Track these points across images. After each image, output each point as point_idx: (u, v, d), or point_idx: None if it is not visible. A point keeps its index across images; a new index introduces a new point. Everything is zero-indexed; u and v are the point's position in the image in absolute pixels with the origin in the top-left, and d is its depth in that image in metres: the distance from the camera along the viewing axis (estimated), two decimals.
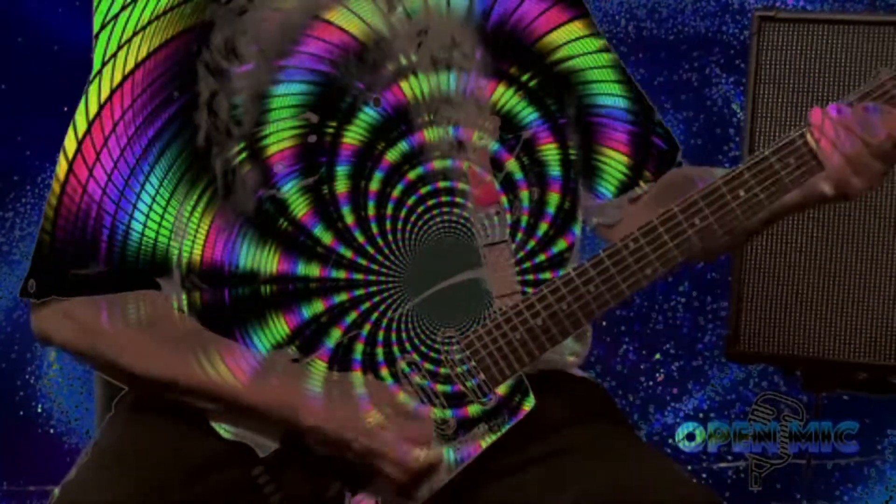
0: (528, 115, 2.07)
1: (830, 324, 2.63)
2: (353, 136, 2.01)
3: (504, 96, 2.06)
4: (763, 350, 2.66)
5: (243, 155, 1.98)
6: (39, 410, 3.66)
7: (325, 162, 2.00)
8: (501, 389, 1.98)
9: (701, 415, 3.61)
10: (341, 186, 2.00)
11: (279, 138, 1.99)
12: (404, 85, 2.02)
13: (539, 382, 2.01)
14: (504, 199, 2.03)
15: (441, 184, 2.02)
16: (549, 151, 2.08)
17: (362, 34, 2.02)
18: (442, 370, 1.98)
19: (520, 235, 2.05)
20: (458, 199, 2.02)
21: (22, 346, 3.64)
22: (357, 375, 1.97)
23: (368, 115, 2.00)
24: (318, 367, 1.97)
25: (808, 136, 1.95)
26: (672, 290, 3.59)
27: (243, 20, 1.99)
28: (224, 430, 1.97)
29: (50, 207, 1.99)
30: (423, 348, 1.99)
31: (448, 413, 1.97)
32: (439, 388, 1.98)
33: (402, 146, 2.01)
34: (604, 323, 3.58)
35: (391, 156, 2.01)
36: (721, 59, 3.58)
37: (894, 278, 2.61)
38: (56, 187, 1.99)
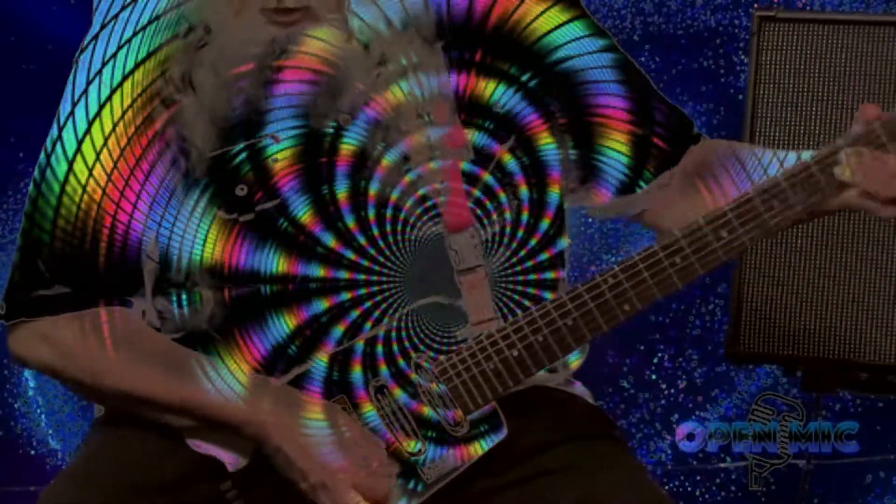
0: (528, 115, 2.10)
1: (830, 324, 2.63)
2: (350, 142, 2.04)
3: (504, 96, 2.09)
4: (763, 350, 2.66)
5: (242, 156, 2.02)
6: (19, 432, 3.62)
7: (325, 162, 2.03)
8: (474, 418, 2.01)
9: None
10: (341, 186, 2.03)
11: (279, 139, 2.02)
12: (368, 110, 2.05)
13: (525, 400, 2.04)
14: (482, 215, 2.06)
15: (420, 191, 2.05)
16: (549, 152, 2.11)
17: (323, 66, 2.05)
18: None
19: (521, 232, 2.08)
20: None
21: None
22: (337, 409, 2.00)
23: (349, 143, 2.04)
24: (296, 391, 2.01)
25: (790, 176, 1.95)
26: (710, 292, 3.57)
27: (200, 54, 2.03)
28: (196, 446, 2.01)
29: (49, 207, 2.01)
30: (429, 349, 2.02)
31: (411, 431, 2.01)
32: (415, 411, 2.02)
33: (374, 183, 2.04)
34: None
35: (373, 188, 2.04)
36: (743, 50, 3.56)
37: (894, 278, 2.61)
38: (55, 186, 2.01)
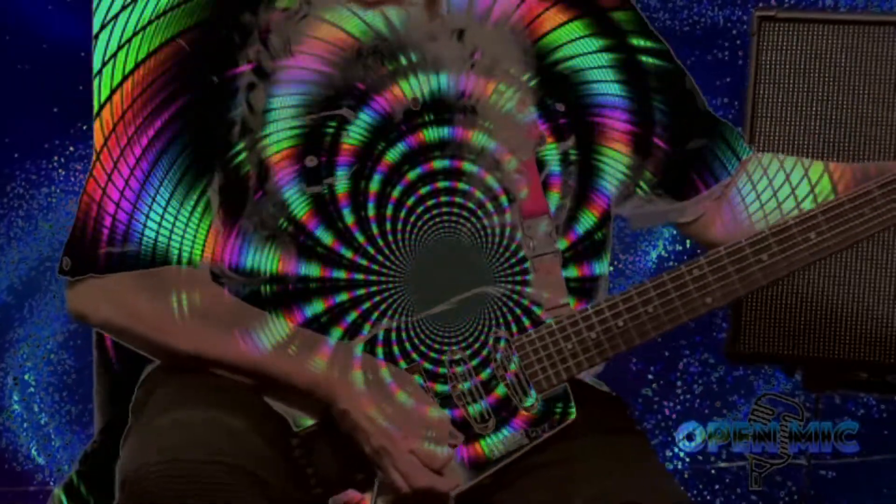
0: (528, 115, 2.13)
1: (830, 323, 2.65)
2: (352, 137, 2.07)
3: (504, 96, 2.12)
4: (763, 350, 2.68)
5: (243, 155, 2.05)
6: (3, 445, 3.62)
7: (324, 162, 2.06)
8: (546, 398, 2.05)
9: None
10: (341, 186, 2.06)
11: (279, 139, 2.05)
12: (404, 85, 2.08)
13: None
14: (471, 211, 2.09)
15: (440, 184, 2.08)
16: (550, 151, 2.14)
17: (362, 34, 2.08)
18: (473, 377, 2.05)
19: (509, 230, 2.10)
20: (457, 199, 2.08)
21: None
22: (409, 377, 2.03)
23: (368, 115, 2.07)
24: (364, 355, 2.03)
25: None
26: None
27: (300, 25, 2.06)
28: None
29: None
30: (431, 354, 2.05)
31: (482, 405, 2.04)
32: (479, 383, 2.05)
33: (401, 147, 2.07)
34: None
35: (391, 156, 2.07)
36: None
37: (894, 278, 2.62)
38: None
